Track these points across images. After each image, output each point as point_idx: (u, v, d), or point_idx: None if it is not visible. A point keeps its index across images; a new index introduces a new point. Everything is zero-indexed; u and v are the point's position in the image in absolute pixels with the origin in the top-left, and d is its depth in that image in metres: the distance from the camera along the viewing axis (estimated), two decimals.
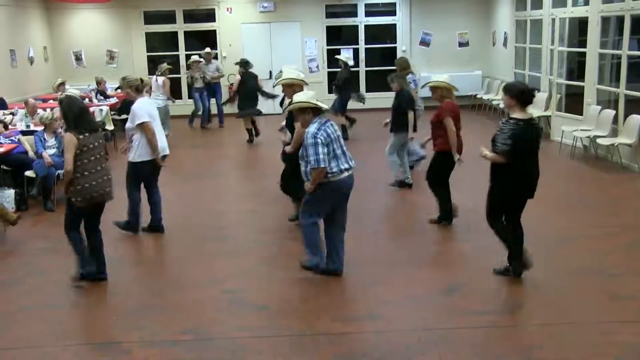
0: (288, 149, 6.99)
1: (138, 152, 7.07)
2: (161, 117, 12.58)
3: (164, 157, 7.31)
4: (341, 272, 5.97)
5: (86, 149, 5.66)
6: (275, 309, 5.37)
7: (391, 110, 9.00)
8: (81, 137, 5.62)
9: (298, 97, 5.78)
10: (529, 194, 5.64)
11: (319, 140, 5.48)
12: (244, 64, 13.23)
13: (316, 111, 5.65)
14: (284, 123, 7.48)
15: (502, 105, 14.24)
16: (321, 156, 5.46)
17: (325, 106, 5.75)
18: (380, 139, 10.50)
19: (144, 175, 7.26)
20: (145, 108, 7.09)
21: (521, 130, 5.39)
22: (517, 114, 5.48)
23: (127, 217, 7.33)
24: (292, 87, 6.93)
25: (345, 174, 5.66)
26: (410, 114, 8.80)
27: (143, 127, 7.00)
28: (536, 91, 5.56)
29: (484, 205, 5.78)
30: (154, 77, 12.95)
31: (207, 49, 15.13)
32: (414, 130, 9.03)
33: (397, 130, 8.89)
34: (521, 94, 5.46)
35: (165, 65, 13.42)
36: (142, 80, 7.28)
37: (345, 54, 13.36)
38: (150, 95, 11.96)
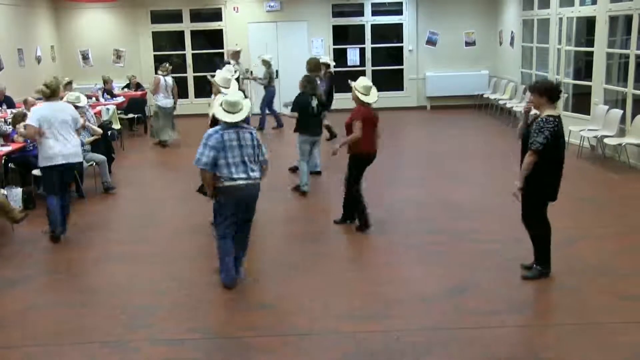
0: None
1: (41, 156, 7.02)
2: (170, 118, 12.64)
3: (62, 165, 7.00)
4: (229, 286, 5.76)
5: None
6: (282, 308, 5.38)
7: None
8: None
9: (229, 94, 5.82)
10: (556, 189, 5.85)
11: (209, 143, 5.53)
12: None
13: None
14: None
15: (515, 108, 14.31)
16: (204, 158, 5.51)
17: (236, 120, 5.57)
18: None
19: (55, 180, 7.05)
20: (41, 112, 6.93)
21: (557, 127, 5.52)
22: (548, 111, 5.51)
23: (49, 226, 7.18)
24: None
25: (240, 182, 5.58)
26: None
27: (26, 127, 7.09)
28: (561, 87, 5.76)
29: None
30: (162, 76, 12.69)
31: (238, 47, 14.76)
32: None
33: (298, 131, 8.74)
34: (548, 91, 5.51)
35: (168, 65, 13.21)
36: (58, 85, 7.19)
37: (326, 57, 13.09)
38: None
